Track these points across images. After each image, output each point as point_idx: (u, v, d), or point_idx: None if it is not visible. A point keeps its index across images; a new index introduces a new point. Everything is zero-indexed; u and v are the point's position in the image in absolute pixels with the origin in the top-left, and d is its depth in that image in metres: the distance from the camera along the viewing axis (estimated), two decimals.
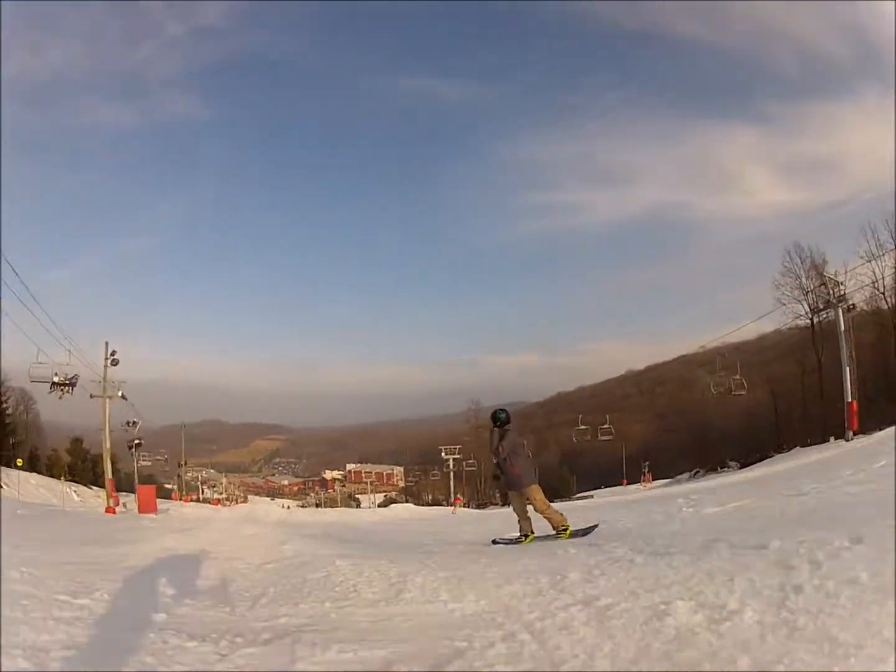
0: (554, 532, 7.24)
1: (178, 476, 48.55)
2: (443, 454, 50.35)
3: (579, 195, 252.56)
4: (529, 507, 7.47)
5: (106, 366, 27.14)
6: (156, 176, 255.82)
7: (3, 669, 2.40)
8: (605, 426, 40.26)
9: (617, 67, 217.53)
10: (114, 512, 21.97)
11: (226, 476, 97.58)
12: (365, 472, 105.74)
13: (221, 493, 77.18)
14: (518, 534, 7.62)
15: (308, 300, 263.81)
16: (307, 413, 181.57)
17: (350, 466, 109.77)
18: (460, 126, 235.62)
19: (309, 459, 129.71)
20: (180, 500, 42.75)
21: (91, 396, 26.83)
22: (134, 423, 35.40)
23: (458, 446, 51.51)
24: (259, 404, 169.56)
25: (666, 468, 45.58)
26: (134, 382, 30.42)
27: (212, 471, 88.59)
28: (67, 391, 25.10)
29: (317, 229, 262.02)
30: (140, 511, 22.03)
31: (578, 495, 42.98)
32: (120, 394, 27.53)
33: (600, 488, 47.23)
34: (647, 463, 44.19)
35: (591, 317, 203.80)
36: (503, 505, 29.48)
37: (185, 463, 48.14)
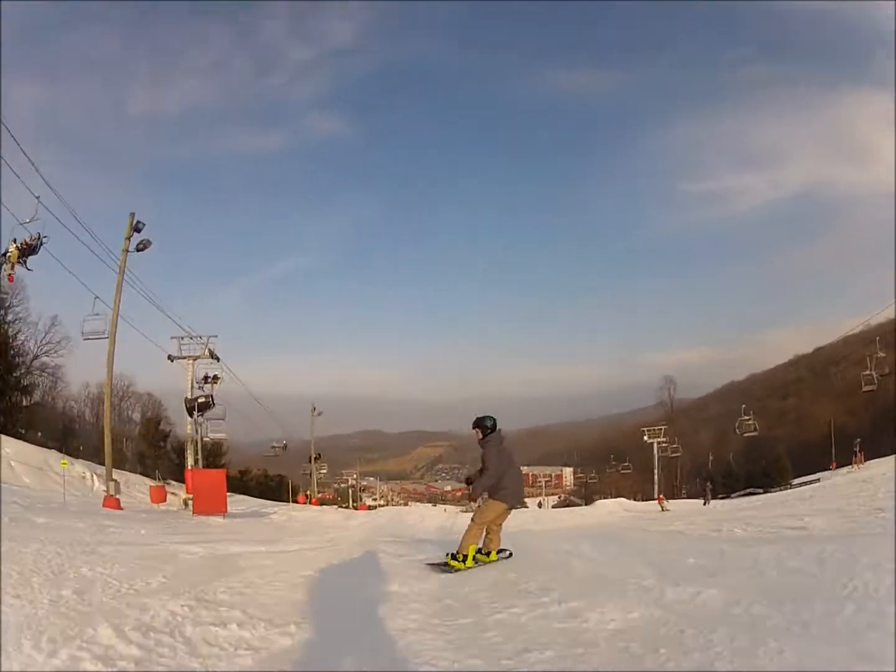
0: (451, 552, 6.54)
1: (308, 474, 42.36)
2: (645, 437, 44.95)
3: (730, 181, 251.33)
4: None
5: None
6: (308, 197, 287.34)
7: (3, 669, 2.68)
8: (749, 420, 38.66)
9: (748, 40, 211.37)
10: (117, 506, 15.33)
11: (386, 483, 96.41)
12: (532, 475, 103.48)
13: (377, 500, 73.89)
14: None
15: (467, 308, 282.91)
16: (471, 420, 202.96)
17: None
18: (611, 117, 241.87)
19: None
20: (308, 502, 37.08)
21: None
22: (283, 446, 38.04)
23: (662, 426, 46.31)
24: (420, 413, 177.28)
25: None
26: (289, 395, 33.72)
27: (370, 478, 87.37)
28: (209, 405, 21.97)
29: (473, 236, 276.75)
30: (196, 511, 15.89)
31: (799, 480, 37.80)
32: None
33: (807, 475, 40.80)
34: (858, 441, 39.03)
35: (750, 307, 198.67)
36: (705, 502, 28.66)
37: (318, 457, 42.42)
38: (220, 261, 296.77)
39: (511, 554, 6.97)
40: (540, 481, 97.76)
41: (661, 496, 33.96)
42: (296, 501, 36.96)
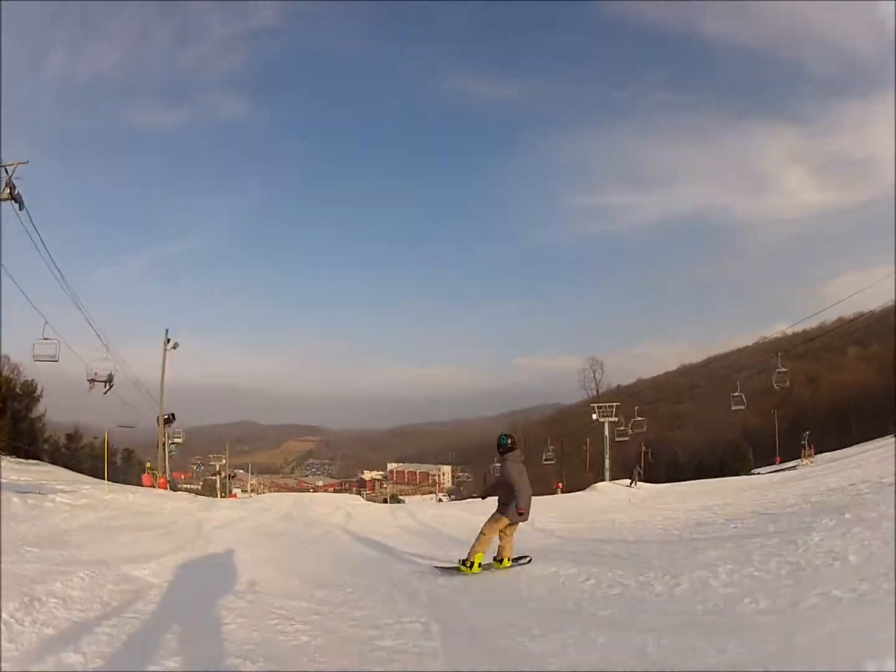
0: (462, 558, 7.32)
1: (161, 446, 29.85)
2: (594, 416, 41.50)
3: (622, 197, 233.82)
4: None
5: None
6: (198, 179, 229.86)
7: (3, 669, 2.27)
8: (639, 419, 41.78)
9: (661, 66, 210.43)
10: None
11: (256, 477, 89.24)
12: (409, 472, 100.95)
13: (248, 493, 69.37)
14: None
15: (341, 301, 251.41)
16: (340, 415, 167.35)
17: (392, 466, 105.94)
18: (506, 125, 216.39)
19: (343, 461, 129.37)
20: (154, 484, 26.48)
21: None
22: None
23: (614, 404, 42.83)
24: (293, 406, 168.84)
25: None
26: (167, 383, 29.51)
27: (240, 471, 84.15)
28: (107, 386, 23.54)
29: (356, 229, 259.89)
30: None
31: (774, 468, 38.30)
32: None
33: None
34: (807, 434, 40.38)
35: (630, 320, 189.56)
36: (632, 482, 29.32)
37: (172, 418, 30.72)
38: (104, 238, 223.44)
39: (530, 560, 7.47)
40: (408, 481, 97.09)
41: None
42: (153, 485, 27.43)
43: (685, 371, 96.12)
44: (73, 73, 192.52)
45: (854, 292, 50.88)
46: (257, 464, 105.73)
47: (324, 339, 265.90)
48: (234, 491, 59.24)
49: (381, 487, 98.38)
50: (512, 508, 7.09)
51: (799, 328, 64.70)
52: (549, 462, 53.22)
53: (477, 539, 7.29)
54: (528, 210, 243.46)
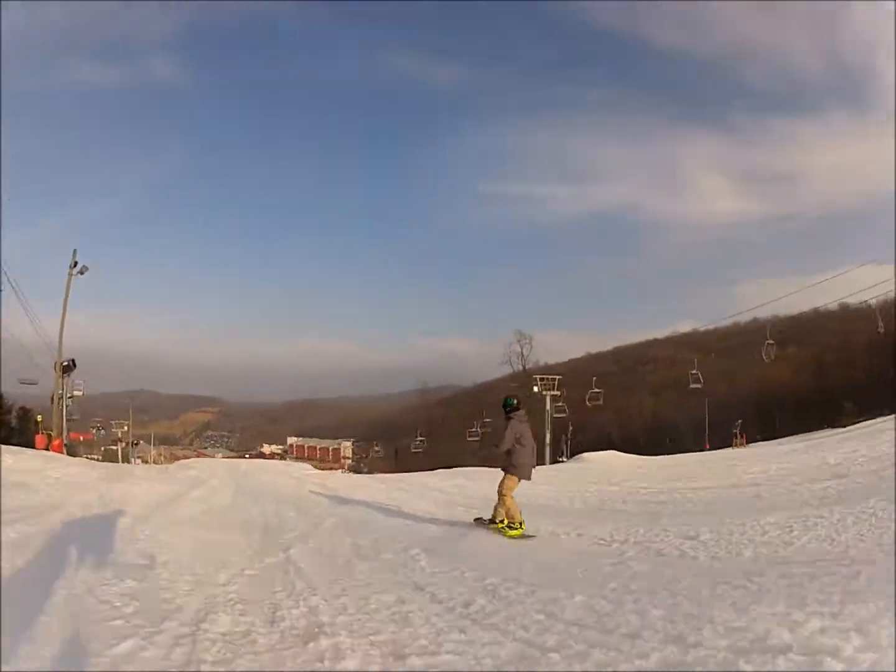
0: (488, 518, 7.41)
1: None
2: (536, 388, 39.59)
3: (544, 188, 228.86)
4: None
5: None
6: (121, 140, 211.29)
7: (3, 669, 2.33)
8: (597, 391, 40.99)
9: (599, 66, 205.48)
10: None
11: (155, 448, 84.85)
12: (309, 447, 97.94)
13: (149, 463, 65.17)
14: (494, 519, 7.37)
15: (250, 271, 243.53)
16: (239, 386, 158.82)
17: (291, 440, 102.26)
18: (440, 106, 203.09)
19: (242, 433, 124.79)
20: (48, 447, 22.58)
21: None
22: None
23: (556, 377, 41.26)
24: (192, 377, 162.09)
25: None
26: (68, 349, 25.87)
27: (141, 442, 79.33)
28: None
29: (266, 198, 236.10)
30: None
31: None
32: None
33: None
34: (739, 422, 41.22)
35: (538, 308, 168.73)
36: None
37: (72, 366, 26.34)
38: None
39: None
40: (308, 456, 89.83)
41: None
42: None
43: (592, 359, 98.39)
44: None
45: (779, 297, 59.22)
46: (158, 435, 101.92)
47: (226, 308, 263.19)
48: (136, 461, 54.10)
49: (282, 461, 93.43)
50: (522, 468, 7.31)
51: (711, 326, 69.98)
52: (473, 439, 52.98)
53: (503, 502, 7.22)
54: (448, 194, 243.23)
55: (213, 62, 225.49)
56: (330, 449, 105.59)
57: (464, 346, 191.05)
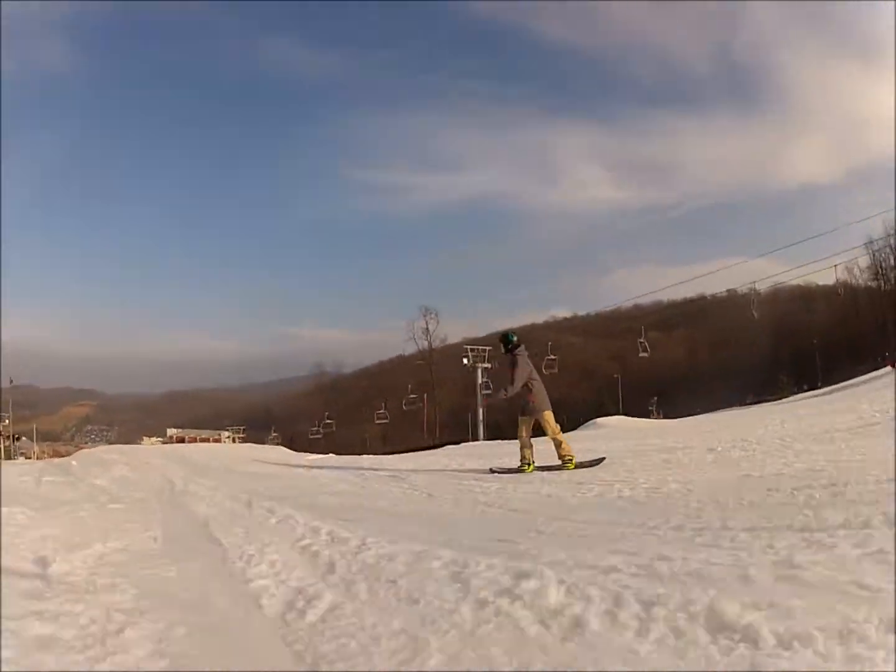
0: (559, 462, 7.12)
1: None
2: (465, 361, 38.34)
3: (414, 177, 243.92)
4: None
5: None
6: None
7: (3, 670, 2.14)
8: (552, 357, 39.08)
9: (478, 56, 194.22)
10: None
11: (38, 444, 78.15)
12: (189, 438, 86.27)
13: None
14: (519, 463, 7.31)
15: (125, 260, 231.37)
16: (116, 379, 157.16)
17: (171, 431, 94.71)
18: (312, 93, 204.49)
19: (122, 426, 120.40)
20: None
21: None
22: None
23: (487, 348, 38.17)
24: (71, 369, 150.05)
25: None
26: None
27: (23, 438, 74.99)
28: None
29: (144, 189, 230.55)
30: None
31: None
32: None
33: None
34: (655, 399, 41.10)
35: (410, 296, 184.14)
36: None
37: None
38: None
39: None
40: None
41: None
42: None
43: (469, 342, 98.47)
44: None
45: (669, 285, 60.84)
46: (40, 430, 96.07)
47: (101, 298, 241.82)
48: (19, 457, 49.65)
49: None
50: (544, 400, 7.37)
51: (593, 311, 72.46)
52: (381, 422, 51.55)
53: (560, 441, 7.21)
54: (315, 183, 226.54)
55: (92, 50, 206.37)
56: (211, 439, 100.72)
57: (341, 336, 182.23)
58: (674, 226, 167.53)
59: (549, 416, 7.33)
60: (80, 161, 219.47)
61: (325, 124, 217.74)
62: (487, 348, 37.99)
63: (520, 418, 7.54)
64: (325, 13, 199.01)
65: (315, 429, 60.04)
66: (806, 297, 57.13)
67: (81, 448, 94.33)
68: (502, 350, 7.65)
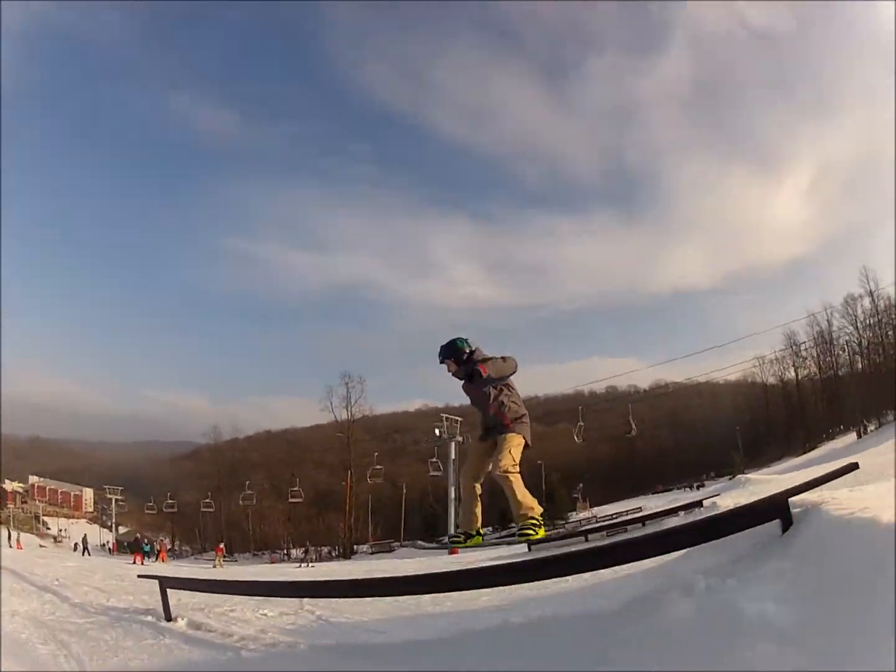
0: (517, 527, 4.33)
1: None
2: (437, 431, 32.83)
3: (284, 256, 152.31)
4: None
5: None
6: None
7: (3, 669, 2.30)
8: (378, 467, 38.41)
9: (373, 142, 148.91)
10: None
11: None
12: (50, 489, 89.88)
13: None
14: (453, 532, 5.10)
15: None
16: None
17: (33, 479, 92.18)
18: (208, 159, 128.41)
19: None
20: None
21: None
22: None
23: (458, 419, 32.83)
24: None
25: None
26: None
27: None
28: None
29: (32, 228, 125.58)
30: None
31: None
32: None
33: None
34: (580, 486, 37.02)
35: (269, 374, 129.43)
36: None
37: None
38: None
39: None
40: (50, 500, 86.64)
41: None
42: None
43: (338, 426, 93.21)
44: None
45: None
46: None
47: None
48: None
49: (23, 503, 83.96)
50: (524, 424, 4.40)
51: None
52: (296, 500, 45.83)
53: (514, 483, 4.15)
54: (201, 250, 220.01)
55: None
56: (72, 495, 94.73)
57: (192, 403, 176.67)
58: (549, 325, 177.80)
59: (518, 443, 4.30)
60: None
61: (208, 185, 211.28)
62: (459, 419, 32.82)
63: (471, 448, 4.96)
64: (232, 74, 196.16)
65: (207, 500, 52.84)
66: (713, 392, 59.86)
67: None
68: (450, 369, 4.47)
